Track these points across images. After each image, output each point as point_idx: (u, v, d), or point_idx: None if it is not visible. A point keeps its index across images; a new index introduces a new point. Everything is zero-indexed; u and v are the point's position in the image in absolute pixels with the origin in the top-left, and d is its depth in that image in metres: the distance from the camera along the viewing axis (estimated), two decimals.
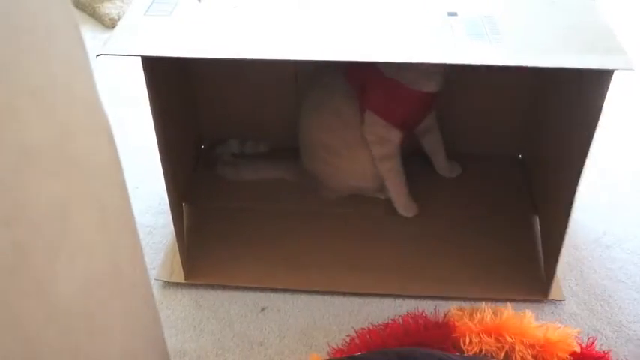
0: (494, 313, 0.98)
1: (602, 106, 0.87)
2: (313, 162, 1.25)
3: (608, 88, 0.85)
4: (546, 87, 1.22)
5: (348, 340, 0.99)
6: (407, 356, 0.83)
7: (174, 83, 1.21)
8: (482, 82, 1.27)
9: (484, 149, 1.38)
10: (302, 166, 1.29)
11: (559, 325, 0.96)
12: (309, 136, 1.24)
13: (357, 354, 0.90)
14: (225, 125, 1.39)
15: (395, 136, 1.16)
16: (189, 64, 1.30)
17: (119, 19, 1.97)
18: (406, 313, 1.01)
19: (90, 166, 0.52)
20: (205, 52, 0.89)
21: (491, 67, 0.83)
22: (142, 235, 1.25)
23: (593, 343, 0.97)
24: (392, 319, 1.00)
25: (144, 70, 0.93)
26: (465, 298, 1.07)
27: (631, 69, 0.81)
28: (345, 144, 1.19)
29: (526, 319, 0.96)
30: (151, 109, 0.95)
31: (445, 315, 0.99)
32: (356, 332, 0.99)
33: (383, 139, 1.16)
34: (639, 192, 1.33)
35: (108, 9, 1.92)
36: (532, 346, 0.94)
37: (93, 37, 1.86)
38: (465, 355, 0.92)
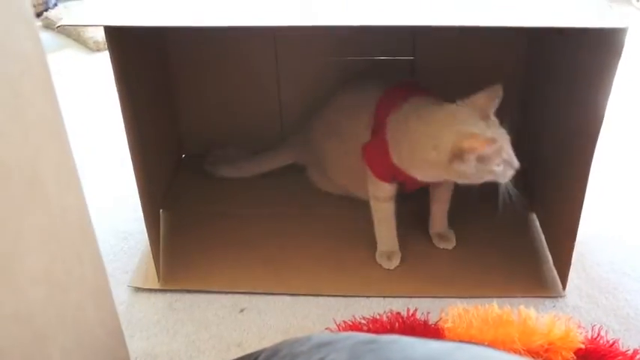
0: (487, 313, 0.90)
1: (606, 104, 0.83)
2: (324, 142, 1.17)
3: (615, 74, 0.81)
4: (538, 90, 1.17)
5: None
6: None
7: (150, 83, 1.16)
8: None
9: None
10: (306, 148, 1.23)
11: (561, 315, 0.88)
12: (327, 117, 1.16)
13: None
14: (206, 132, 1.34)
15: (383, 190, 1.05)
16: (165, 61, 1.26)
17: (104, 43, 1.95)
18: (395, 313, 0.93)
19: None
20: (174, 22, 0.85)
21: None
22: (116, 241, 1.19)
23: (598, 335, 0.89)
24: (379, 315, 0.93)
25: (109, 47, 0.87)
26: (460, 297, 1.00)
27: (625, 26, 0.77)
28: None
29: (524, 320, 0.87)
30: (120, 103, 0.90)
31: (439, 320, 0.91)
32: (337, 326, 0.91)
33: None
34: None
35: (92, 32, 1.89)
36: (536, 352, 0.86)
37: (76, 59, 1.83)
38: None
